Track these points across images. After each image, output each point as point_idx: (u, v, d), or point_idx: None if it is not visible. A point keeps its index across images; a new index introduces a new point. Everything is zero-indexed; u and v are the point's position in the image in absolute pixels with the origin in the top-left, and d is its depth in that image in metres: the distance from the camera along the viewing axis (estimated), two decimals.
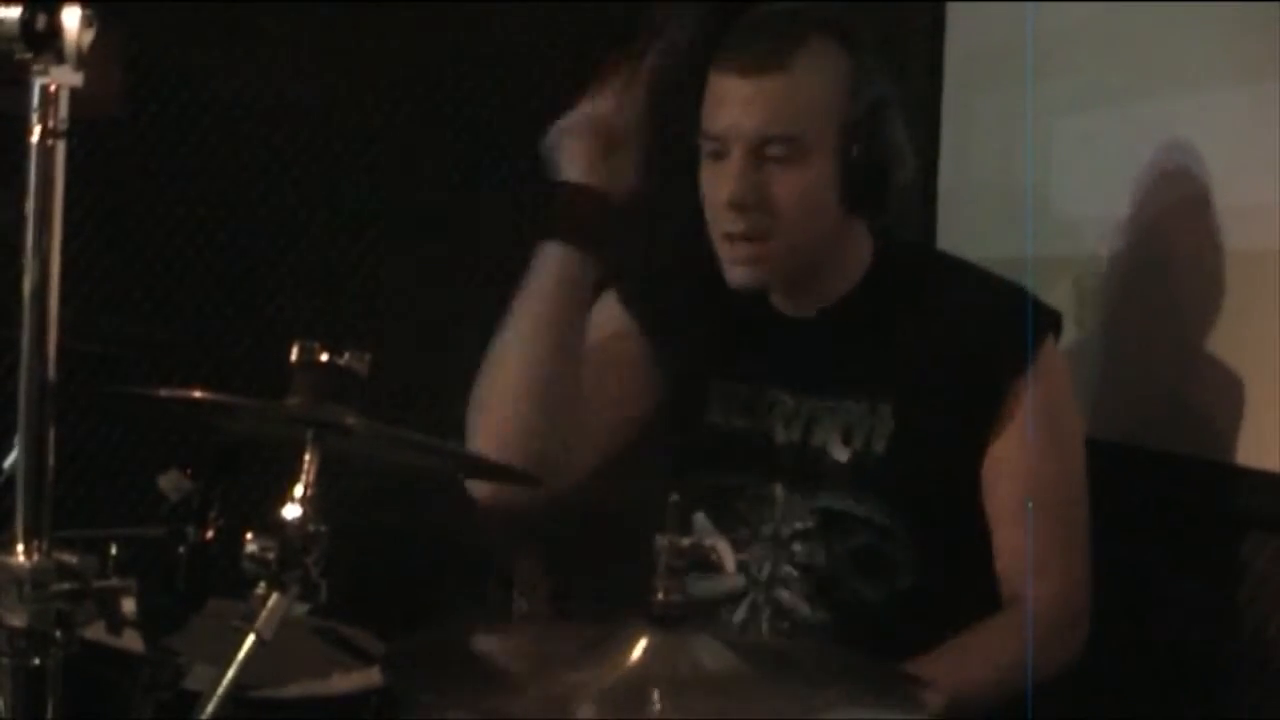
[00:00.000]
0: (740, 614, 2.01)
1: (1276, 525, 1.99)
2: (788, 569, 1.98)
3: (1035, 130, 2.46)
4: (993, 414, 1.92)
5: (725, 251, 1.96)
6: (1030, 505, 1.91)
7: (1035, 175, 2.47)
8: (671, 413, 2.10)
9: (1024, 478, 1.92)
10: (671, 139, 2.01)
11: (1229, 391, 2.05)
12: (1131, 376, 2.28)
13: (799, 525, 1.98)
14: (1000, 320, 1.95)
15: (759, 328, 2.05)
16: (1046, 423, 1.93)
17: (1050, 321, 1.98)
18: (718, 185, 1.93)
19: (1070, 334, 2.09)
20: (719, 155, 1.93)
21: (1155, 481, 2.19)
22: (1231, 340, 2.07)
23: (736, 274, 1.96)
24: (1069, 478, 1.97)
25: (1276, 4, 1.97)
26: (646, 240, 2.32)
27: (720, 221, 1.94)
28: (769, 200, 1.90)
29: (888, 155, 1.93)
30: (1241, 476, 2.03)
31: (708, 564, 1.41)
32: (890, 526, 1.94)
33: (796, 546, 1.97)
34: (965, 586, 1.93)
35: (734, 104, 1.91)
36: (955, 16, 2.76)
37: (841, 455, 1.96)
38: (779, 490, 1.99)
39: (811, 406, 1.99)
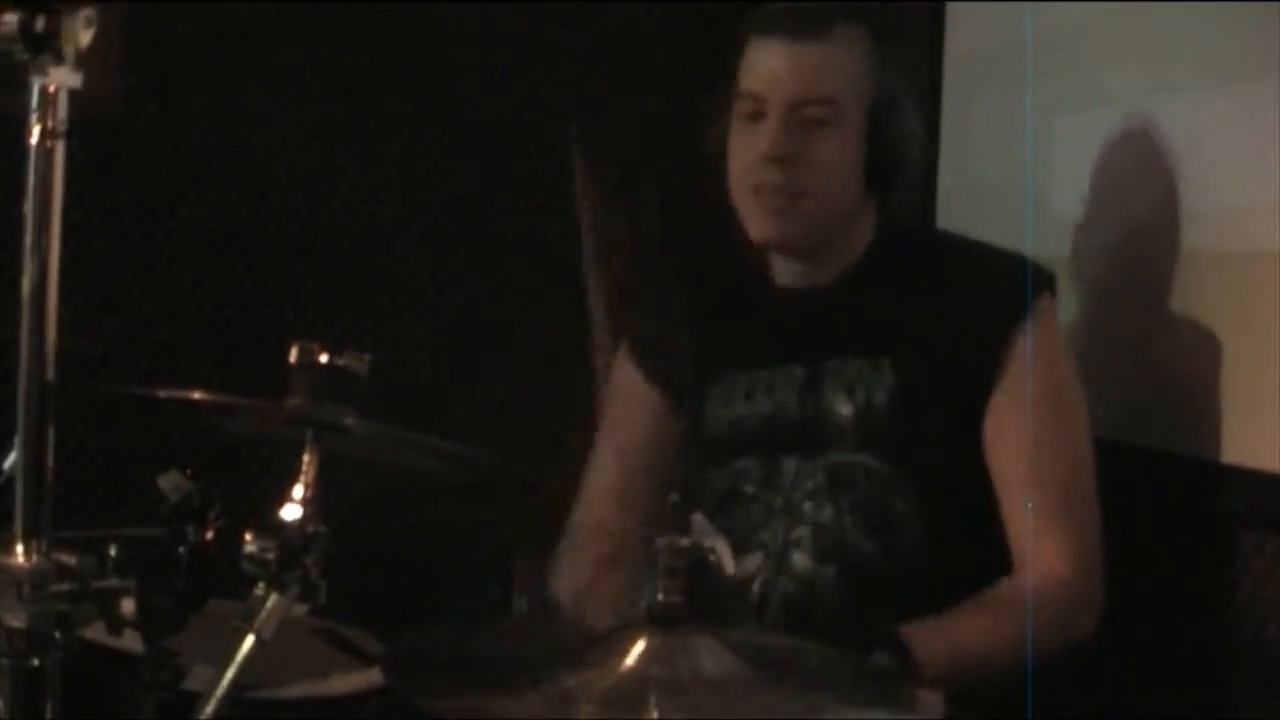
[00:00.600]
0: (756, 587, 2.01)
1: (1276, 525, 1.99)
2: (799, 530, 1.99)
3: (1035, 130, 2.45)
4: (992, 366, 1.95)
5: (754, 204, 2.01)
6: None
7: (1035, 175, 2.47)
8: (684, 409, 2.12)
9: (1027, 433, 1.93)
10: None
11: (1229, 391, 2.05)
12: (1131, 375, 2.28)
13: (809, 484, 2.00)
14: (997, 276, 2.01)
15: (760, 306, 2.10)
16: (1047, 375, 1.95)
17: (1045, 280, 2.01)
18: (754, 141, 1.99)
19: (1070, 333, 2.09)
20: (756, 116, 1.99)
21: (1155, 481, 2.19)
22: (1231, 340, 2.07)
23: (764, 227, 2.02)
24: (1073, 433, 1.98)
25: (1276, 4, 1.97)
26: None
27: (754, 173, 2.00)
28: (806, 157, 1.98)
29: (905, 140, 2.02)
30: (1242, 476, 2.03)
31: (707, 565, 1.40)
32: (893, 478, 1.96)
33: (806, 505, 1.99)
34: (971, 543, 1.93)
35: (776, 64, 1.99)
36: (955, 16, 2.76)
37: (845, 409, 1.99)
38: (788, 463, 2.01)
39: (818, 371, 2.02)
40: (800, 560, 1.99)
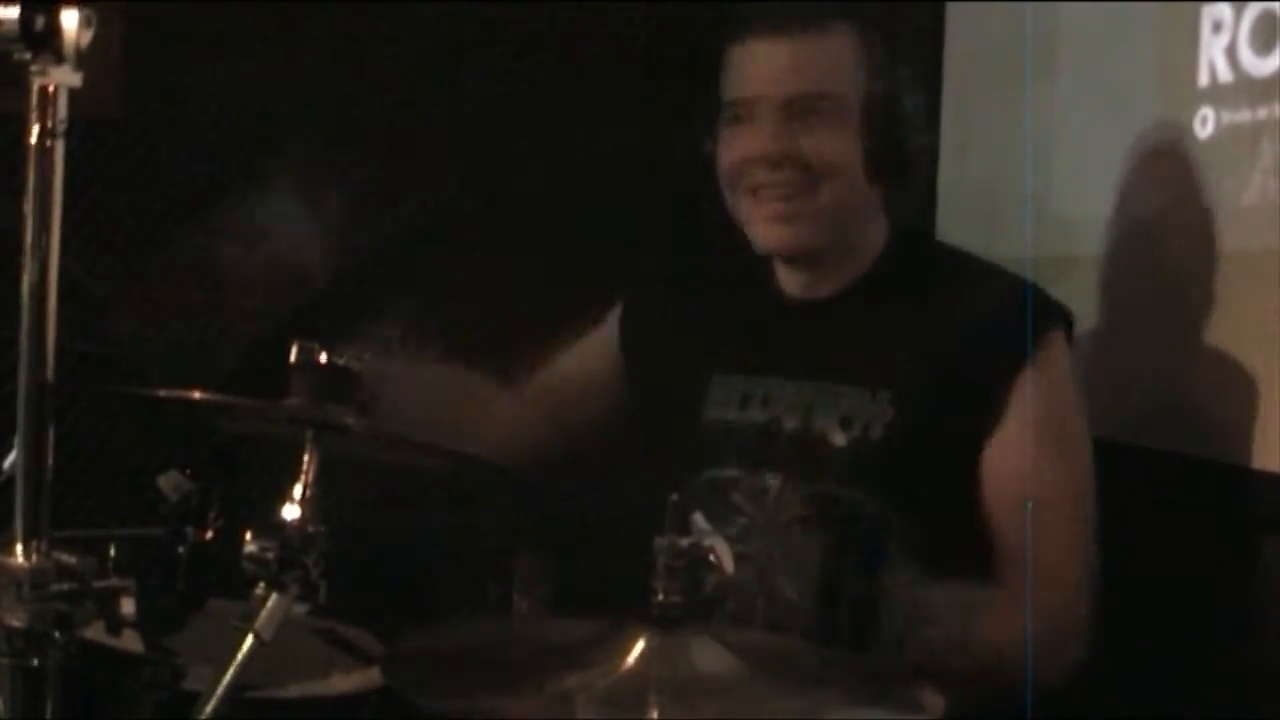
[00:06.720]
0: (732, 603, 1.99)
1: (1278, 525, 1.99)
2: (781, 555, 1.97)
3: (1035, 130, 2.46)
4: (991, 409, 1.91)
5: (754, 209, 1.98)
6: (1030, 505, 1.87)
7: (1035, 175, 2.47)
8: (672, 409, 2.10)
9: (1022, 476, 1.90)
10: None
11: (1230, 392, 2.05)
12: (1131, 376, 2.28)
13: (795, 509, 1.96)
14: (1004, 315, 1.94)
15: (762, 315, 2.07)
16: (1047, 422, 1.91)
17: (1057, 318, 1.97)
18: (743, 145, 1.96)
19: (1081, 336, 2.08)
20: (743, 119, 1.96)
21: (1157, 481, 2.19)
22: (1231, 341, 2.07)
23: (769, 234, 1.98)
24: (1071, 479, 1.93)
25: (1275, 4, 1.97)
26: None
27: (747, 176, 1.96)
28: (803, 154, 1.94)
29: (906, 135, 1.97)
30: (1245, 477, 2.02)
31: (706, 565, 1.40)
32: (883, 515, 1.92)
33: (789, 531, 1.95)
34: (959, 582, 1.87)
35: (767, 64, 1.95)
36: (955, 16, 2.77)
37: (840, 440, 1.96)
38: (772, 479, 1.98)
39: (812, 392, 1.99)
40: (784, 587, 1.92)
